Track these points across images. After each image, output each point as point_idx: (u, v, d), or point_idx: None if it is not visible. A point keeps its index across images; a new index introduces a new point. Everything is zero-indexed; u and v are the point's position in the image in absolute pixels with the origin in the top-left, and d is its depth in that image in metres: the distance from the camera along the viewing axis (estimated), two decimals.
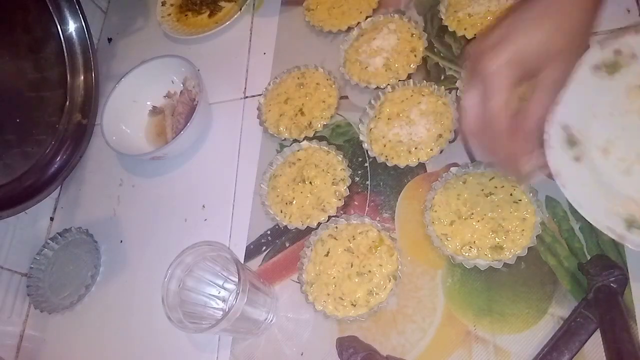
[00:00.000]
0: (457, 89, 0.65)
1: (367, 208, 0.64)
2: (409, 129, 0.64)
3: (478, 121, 0.44)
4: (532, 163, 0.47)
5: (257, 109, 0.75)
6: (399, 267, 0.57)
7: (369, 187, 0.65)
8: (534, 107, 0.43)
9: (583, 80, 0.54)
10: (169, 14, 0.93)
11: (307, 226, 0.64)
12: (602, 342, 0.45)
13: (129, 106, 0.81)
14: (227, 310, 0.52)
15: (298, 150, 0.69)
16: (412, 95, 0.66)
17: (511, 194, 0.56)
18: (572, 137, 0.53)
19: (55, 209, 0.84)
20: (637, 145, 0.51)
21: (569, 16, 0.41)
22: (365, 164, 0.66)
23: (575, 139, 0.53)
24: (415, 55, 0.69)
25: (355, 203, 0.65)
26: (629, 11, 0.62)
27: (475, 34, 0.67)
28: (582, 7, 0.42)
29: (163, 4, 0.94)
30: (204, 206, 0.73)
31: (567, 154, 0.52)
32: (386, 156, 0.64)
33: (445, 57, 0.69)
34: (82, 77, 0.87)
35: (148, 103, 0.83)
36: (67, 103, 0.85)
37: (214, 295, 0.60)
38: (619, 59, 0.54)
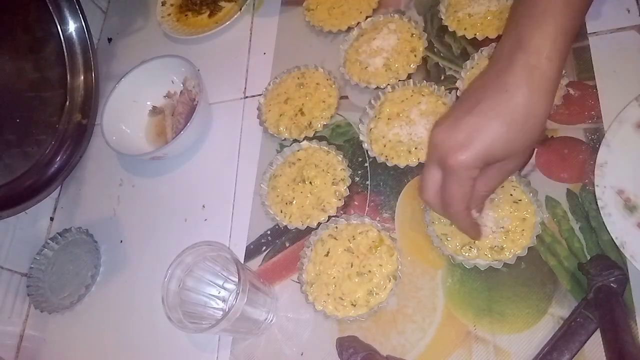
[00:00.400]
0: (457, 89, 0.65)
1: (367, 208, 0.64)
2: (409, 129, 0.64)
3: (437, 197, 0.48)
4: (480, 226, 0.53)
5: (257, 109, 0.75)
6: (399, 267, 0.57)
7: (369, 187, 0.65)
8: (483, 190, 0.49)
9: (627, 140, 0.52)
10: (169, 14, 0.93)
11: (307, 226, 0.64)
12: (602, 342, 0.45)
13: (129, 106, 0.81)
14: (227, 310, 0.52)
15: (298, 150, 0.69)
16: (412, 95, 0.66)
17: (511, 194, 0.56)
18: (629, 202, 0.50)
19: (55, 209, 0.84)
20: None
21: (533, 117, 0.43)
22: (365, 164, 0.66)
23: (632, 203, 0.50)
24: (415, 55, 0.69)
25: (355, 203, 0.65)
26: (629, 11, 0.62)
27: (475, 34, 0.67)
28: (545, 109, 0.43)
29: (163, 4, 0.94)
30: (204, 206, 0.73)
31: (629, 221, 0.50)
32: (386, 156, 0.64)
33: (445, 57, 0.69)
34: (82, 77, 0.87)
35: (148, 103, 0.83)
36: (67, 103, 0.85)
37: (214, 295, 0.60)
38: None
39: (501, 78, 0.44)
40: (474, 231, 0.52)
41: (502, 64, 0.45)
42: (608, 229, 0.50)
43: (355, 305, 0.57)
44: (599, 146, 0.53)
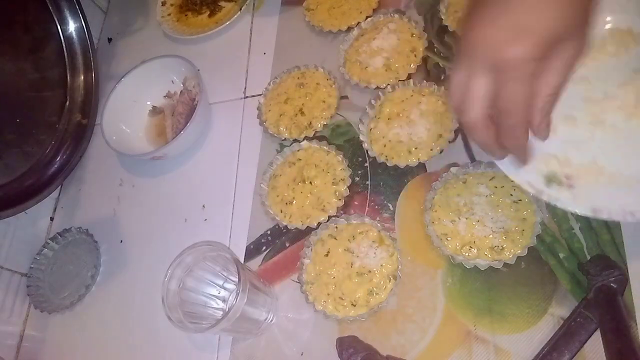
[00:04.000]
0: None
1: (367, 208, 0.64)
2: (409, 129, 0.64)
3: (485, 113, 0.41)
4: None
5: (257, 109, 0.75)
6: (399, 267, 0.57)
7: (369, 187, 0.65)
8: (548, 90, 0.40)
9: None
10: (169, 14, 0.93)
11: (307, 226, 0.63)
12: (602, 342, 0.45)
13: (129, 106, 0.81)
14: (227, 310, 0.52)
15: (298, 150, 0.69)
16: (412, 95, 0.66)
17: (511, 194, 0.56)
18: None
19: (55, 209, 0.84)
20: (563, 106, 0.46)
21: None
22: (365, 164, 0.66)
23: None
24: (415, 55, 0.69)
25: (355, 203, 0.65)
26: None
27: None
28: None
29: (163, 4, 0.94)
30: (204, 206, 0.73)
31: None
32: (386, 156, 0.64)
33: (445, 57, 0.69)
34: (82, 77, 0.87)
35: (148, 103, 0.83)
36: (67, 103, 0.85)
37: (214, 295, 0.60)
38: None
39: None
40: (526, 152, 0.45)
41: None
42: None
43: (355, 305, 0.57)
44: None
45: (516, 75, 0.38)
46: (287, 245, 0.65)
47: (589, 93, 0.52)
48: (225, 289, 0.61)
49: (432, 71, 0.69)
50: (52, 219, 0.83)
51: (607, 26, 0.54)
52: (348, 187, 0.64)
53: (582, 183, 0.47)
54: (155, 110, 0.83)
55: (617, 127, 0.50)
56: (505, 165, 0.49)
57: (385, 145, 0.64)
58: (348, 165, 0.66)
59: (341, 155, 0.66)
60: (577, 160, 0.49)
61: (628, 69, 0.52)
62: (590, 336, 0.47)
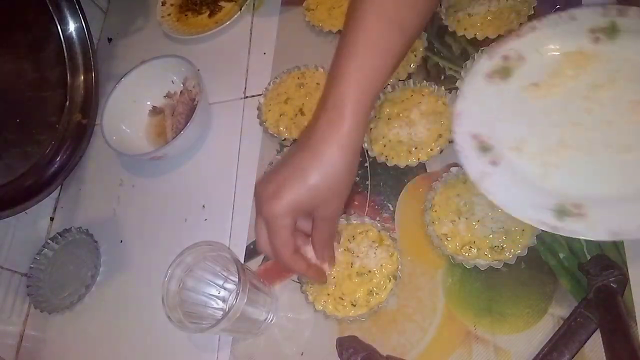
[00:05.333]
0: (457, 89, 0.65)
1: (367, 208, 0.64)
2: (409, 129, 0.64)
3: (268, 248, 0.50)
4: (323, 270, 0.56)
5: (257, 109, 0.75)
6: (399, 267, 0.57)
7: (369, 187, 0.65)
8: (315, 239, 0.53)
9: (479, 89, 0.56)
10: (169, 14, 0.93)
11: None
12: (602, 343, 0.45)
13: (129, 106, 0.81)
14: (227, 310, 0.52)
15: None
16: (412, 96, 0.66)
17: None
18: (483, 144, 0.53)
19: (55, 209, 0.84)
20: (545, 138, 0.53)
21: (332, 168, 0.47)
22: (365, 164, 0.66)
23: (486, 145, 0.53)
24: (415, 55, 0.69)
25: (355, 203, 0.65)
26: None
27: (475, 35, 0.67)
28: (343, 161, 0.47)
29: (163, 3, 0.94)
30: (204, 206, 0.73)
31: (482, 160, 0.52)
32: (386, 156, 0.64)
33: (445, 57, 0.69)
34: (82, 77, 0.87)
35: (148, 103, 0.83)
36: (67, 103, 0.85)
37: (214, 295, 0.60)
38: (508, 64, 0.56)
39: (310, 133, 0.48)
40: (315, 274, 0.55)
41: (312, 121, 0.49)
42: (464, 168, 0.53)
43: (355, 305, 0.57)
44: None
45: (271, 228, 0.48)
46: None
47: (572, 118, 0.53)
48: (225, 289, 0.61)
49: (432, 71, 0.69)
50: (52, 219, 0.83)
51: (556, 53, 0.56)
52: None
53: (591, 208, 0.46)
54: (155, 110, 0.83)
55: (609, 141, 0.50)
56: (515, 209, 0.48)
57: (385, 145, 0.64)
58: None
59: None
60: (579, 187, 0.49)
61: (588, 85, 0.54)
62: (590, 336, 0.47)
